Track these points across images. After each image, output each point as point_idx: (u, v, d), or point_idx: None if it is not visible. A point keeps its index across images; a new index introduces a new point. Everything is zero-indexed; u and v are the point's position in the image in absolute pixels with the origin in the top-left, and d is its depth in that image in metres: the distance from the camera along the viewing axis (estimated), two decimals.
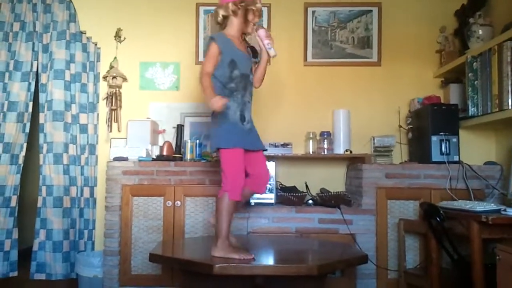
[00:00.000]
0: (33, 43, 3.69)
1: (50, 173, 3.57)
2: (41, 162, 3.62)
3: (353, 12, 3.76)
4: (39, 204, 3.57)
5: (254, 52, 2.63)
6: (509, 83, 2.85)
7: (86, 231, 3.64)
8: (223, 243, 2.36)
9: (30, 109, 3.68)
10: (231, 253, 2.32)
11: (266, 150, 2.68)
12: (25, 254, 3.70)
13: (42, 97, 3.68)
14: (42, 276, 3.50)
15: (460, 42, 3.54)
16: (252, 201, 3.19)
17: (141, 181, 3.19)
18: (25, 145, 3.66)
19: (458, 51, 3.53)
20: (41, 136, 3.64)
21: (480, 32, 3.23)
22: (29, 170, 3.91)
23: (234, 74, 2.44)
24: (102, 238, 3.24)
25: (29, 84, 3.67)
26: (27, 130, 3.67)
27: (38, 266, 3.52)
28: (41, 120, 3.66)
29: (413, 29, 3.74)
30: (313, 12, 3.76)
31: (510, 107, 2.84)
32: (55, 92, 3.62)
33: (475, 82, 3.15)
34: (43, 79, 3.68)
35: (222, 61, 2.44)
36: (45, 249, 3.52)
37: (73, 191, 3.62)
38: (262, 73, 2.62)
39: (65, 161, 3.60)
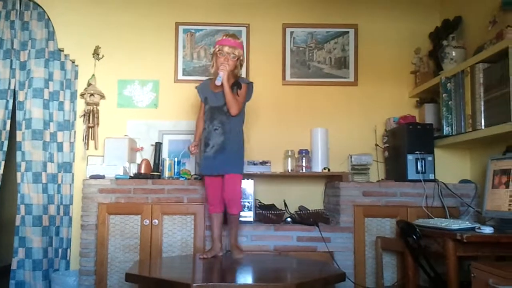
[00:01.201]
0: (11, 61, 3.66)
1: (29, 192, 3.51)
2: (19, 181, 3.56)
3: (330, 33, 3.83)
4: (18, 222, 3.50)
5: (234, 85, 2.88)
6: (482, 103, 2.92)
7: (60, 250, 3.59)
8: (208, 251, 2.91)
9: (8, 127, 3.62)
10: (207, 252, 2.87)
11: (220, 174, 2.87)
12: (0, 273, 3.62)
13: (19, 115, 3.64)
14: None
15: (434, 63, 3.62)
16: None
17: (118, 199, 3.16)
18: (3, 163, 3.60)
19: (432, 72, 3.61)
20: (19, 154, 3.59)
21: (454, 54, 3.31)
22: (5, 187, 3.83)
23: (205, 109, 2.95)
24: (78, 257, 3.18)
25: (7, 101, 3.63)
26: (5, 148, 3.61)
27: (17, 284, 3.45)
28: (19, 138, 3.61)
29: (388, 50, 3.82)
30: (291, 32, 3.82)
31: (483, 127, 2.91)
32: (34, 111, 3.58)
33: (449, 103, 3.23)
34: (20, 96, 3.65)
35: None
36: (24, 267, 3.45)
37: (52, 209, 3.57)
38: (227, 101, 2.83)
39: (43, 180, 3.56)
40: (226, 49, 2.85)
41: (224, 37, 2.90)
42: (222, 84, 2.80)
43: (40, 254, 3.45)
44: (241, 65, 2.98)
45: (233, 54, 2.87)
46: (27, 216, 3.49)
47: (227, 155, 2.82)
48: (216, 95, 2.89)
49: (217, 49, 2.88)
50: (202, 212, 3.14)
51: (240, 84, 2.88)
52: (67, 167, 3.65)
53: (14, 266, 3.47)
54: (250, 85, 2.96)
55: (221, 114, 2.85)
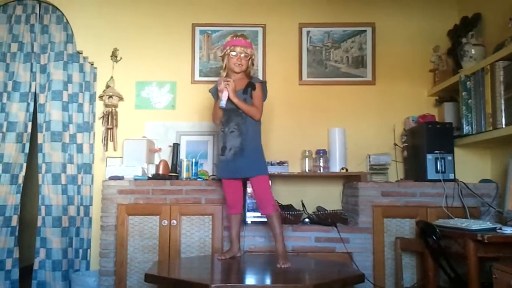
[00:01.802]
0: (31, 64, 3.72)
1: (49, 193, 3.57)
2: (40, 182, 3.62)
3: (347, 32, 3.81)
4: (39, 223, 3.56)
5: (248, 87, 2.82)
6: (502, 102, 2.88)
7: (81, 251, 3.63)
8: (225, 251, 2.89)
9: (29, 130, 3.68)
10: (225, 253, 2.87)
11: (246, 177, 2.82)
12: (24, 272, 3.68)
13: (40, 118, 3.70)
14: None
15: (454, 61, 3.58)
16: (248, 220, 3.19)
17: (137, 200, 3.18)
18: (24, 165, 3.66)
19: (451, 70, 3.57)
20: (40, 156, 3.65)
21: (473, 51, 3.27)
22: (28, 188, 3.90)
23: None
24: (98, 257, 3.22)
25: (28, 104, 3.69)
26: (27, 150, 3.67)
27: (39, 284, 3.50)
28: (40, 141, 3.67)
29: (406, 49, 3.78)
30: (308, 32, 3.81)
31: (503, 126, 2.86)
32: (53, 113, 3.63)
33: (469, 101, 3.18)
34: (41, 99, 3.71)
35: None
36: (45, 268, 3.51)
37: (72, 210, 3.63)
38: (246, 112, 2.78)
39: (63, 181, 3.61)
40: (238, 49, 2.82)
41: (235, 38, 2.87)
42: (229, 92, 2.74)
43: (59, 254, 3.50)
44: (253, 64, 2.95)
45: (245, 53, 2.83)
46: (47, 217, 3.54)
47: (248, 158, 2.76)
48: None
49: (229, 50, 2.83)
50: (220, 213, 3.15)
51: (254, 85, 2.84)
52: (86, 168, 3.70)
53: (36, 266, 3.53)
54: (264, 84, 2.92)
55: (236, 116, 2.78)
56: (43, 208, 3.57)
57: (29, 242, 4.12)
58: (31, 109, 3.70)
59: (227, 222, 3.04)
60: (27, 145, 3.68)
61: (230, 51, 2.83)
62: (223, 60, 2.91)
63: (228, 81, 2.76)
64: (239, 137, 2.76)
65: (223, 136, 2.82)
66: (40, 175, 3.63)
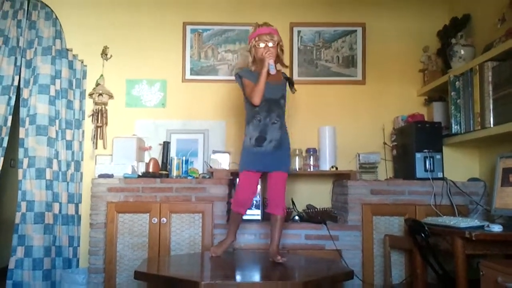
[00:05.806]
0: (15, 58, 3.65)
1: (32, 188, 3.47)
2: (20, 177, 3.52)
3: (338, 32, 3.82)
4: (17, 220, 3.44)
5: (288, 82, 2.86)
6: (491, 102, 2.91)
7: (70, 248, 3.58)
8: (220, 243, 2.83)
9: (9, 123, 3.60)
10: (214, 249, 2.79)
11: (275, 171, 2.74)
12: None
13: (23, 112, 3.61)
14: None
15: (443, 61, 3.61)
16: None
17: (127, 198, 3.17)
18: (1, 159, 3.57)
19: (440, 70, 3.60)
20: (21, 151, 3.56)
21: (462, 52, 3.30)
22: (2, 188, 3.75)
23: None
24: (87, 255, 3.19)
25: (9, 98, 3.61)
26: (5, 144, 3.59)
27: (15, 285, 3.35)
28: (21, 135, 3.58)
29: (396, 49, 3.81)
30: (299, 31, 3.82)
31: (492, 126, 2.89)
32: (39, 107, 3.56)
33: (458, 101, 3.22)
34: (25, 94, 3.63)
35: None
36: (23, 267, 3.37)
37: (56, 207, 3.54)
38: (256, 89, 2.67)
39: (48, 176, 3.52)
40: (264, 37, 2.70)
41: (258, 28, 2.75)
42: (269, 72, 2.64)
43: (41, 252, 3.39)
44: (282, 51, 2.82)
45: (272, 40, 2.71)
46: (29, 213, 3.43)
47: (284, 152, 2.73)
48: (272, 87, 2.71)
49: (254, 42, 2.72)
50: (210, 210, 3.15)
51: (292, 81, 2.83)
52: (76, 165, 3.66)
53: (11, 265, 3.37)
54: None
55: (278, 108, 2.72)
56: (23, 204, 3.45)
57: (3, 243, 3.95)
58: (12, 103, 3.63)
59: (222, 220, 3.08)
60: (6, 139, 3.59)
61: (256, 42, 2.73)
62: (250, 54, 2.79)
63: (270, 51, 2.66)
64: (280, 130, 2.71)
65: (260, 126, 2.69)
66: (20, 170, 3.53)
